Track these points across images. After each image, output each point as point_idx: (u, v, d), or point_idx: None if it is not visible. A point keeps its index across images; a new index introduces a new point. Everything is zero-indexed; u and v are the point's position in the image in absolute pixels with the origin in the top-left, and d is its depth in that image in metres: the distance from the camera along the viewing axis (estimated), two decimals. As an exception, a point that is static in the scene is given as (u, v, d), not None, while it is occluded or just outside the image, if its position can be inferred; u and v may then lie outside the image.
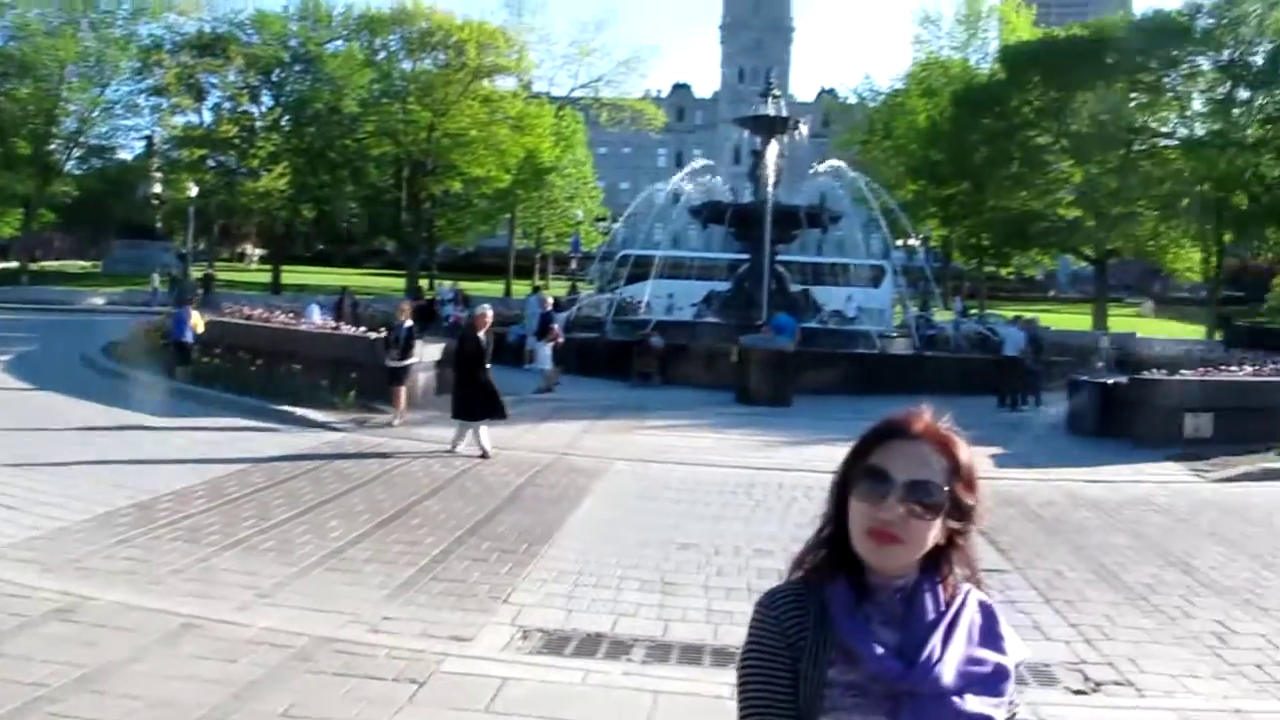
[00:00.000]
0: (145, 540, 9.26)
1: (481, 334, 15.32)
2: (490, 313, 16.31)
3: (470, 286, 51.58)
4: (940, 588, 2.01)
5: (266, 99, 66.05)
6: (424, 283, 62.97)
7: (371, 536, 9.87)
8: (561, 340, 24.97)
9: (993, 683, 1.95)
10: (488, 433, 14.85)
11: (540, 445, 15.88)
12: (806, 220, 33.30)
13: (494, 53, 65.32)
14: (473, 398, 14.88)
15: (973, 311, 53.86)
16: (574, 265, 75.10)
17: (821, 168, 37.74)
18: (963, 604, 2.02)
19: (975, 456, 2.02)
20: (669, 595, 8.46)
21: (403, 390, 17.61)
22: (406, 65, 67.21)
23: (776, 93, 35.26)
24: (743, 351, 23.93)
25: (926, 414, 2.04)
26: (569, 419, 19.19)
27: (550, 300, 28.22)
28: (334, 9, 66.67)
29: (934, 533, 1.96)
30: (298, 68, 64.55)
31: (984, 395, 24.79)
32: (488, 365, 15.10)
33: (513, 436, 15.84)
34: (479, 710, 5.79)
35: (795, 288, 34.46)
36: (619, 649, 7.07)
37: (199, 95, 63.42)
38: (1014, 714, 2.06)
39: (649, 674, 6.59)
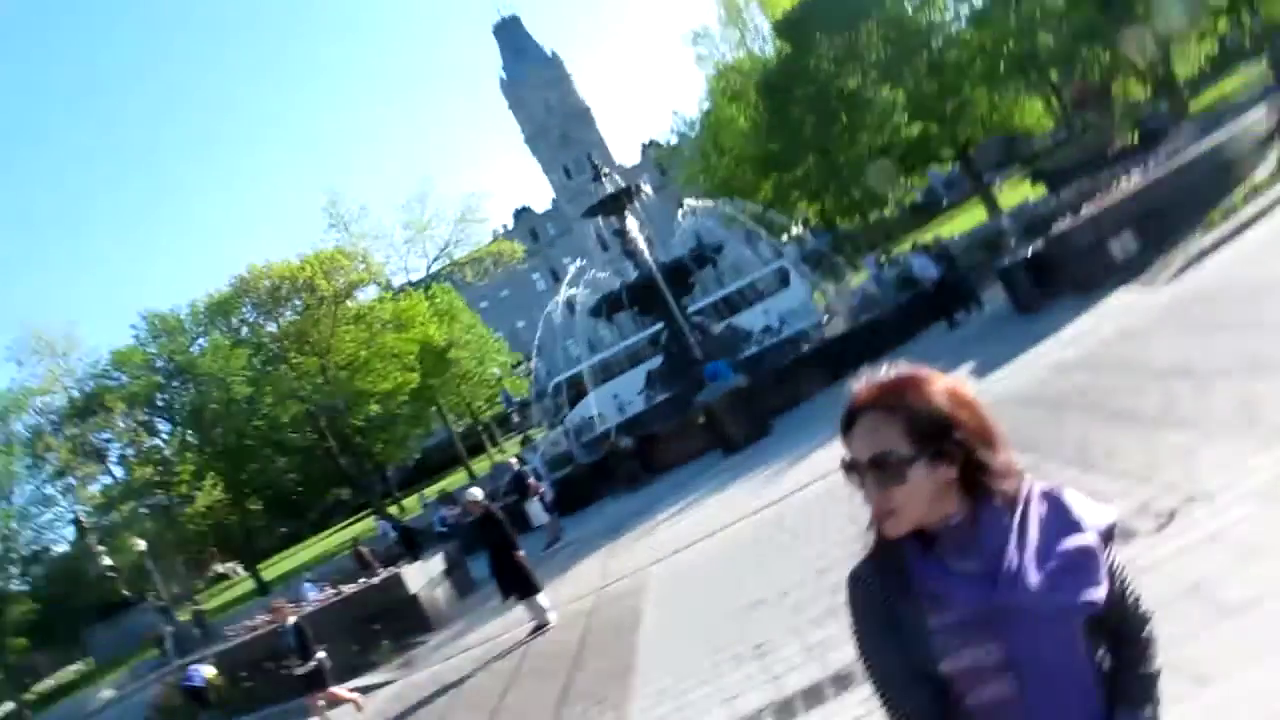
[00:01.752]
0: None
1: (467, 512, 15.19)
2: (479, 494, 16.15)
3: (435, 489, 51.22)
4: (998, 503, 2.05)
5: (163, 426, 65.77)
6: (394, 509, 62.58)
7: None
8: (543, 489, 24.97)
9: (1081, 567, 2.00)
10: (538, 607, 14.64)
11: (577, 592, 15.79)
12: (694, 264, 33.70)
13: (341, 274, 65.71)
14: (508, 578, 14.74)
15: (883, 260, 54.64)
16: (515, 418, 74.98)
17: (683, 210, 38.36)
18: (1026, 504, 2.07)
19: (950, 382, 2.07)
20: (765, 655, 8.42)
21: (323, 694, 15.52)
22: (271, 327, 67.31)
23: (605, 170, 35.81)
24: (705, 409, 24.04)
25: (866, 381, 2.10)
26: (588, 555, 19.10)
27: (515, 461, 28.21)
28: (179, 311, 66.65)
29: (924, 485, 2.00)
30: (175, 383, 64.39)
31: (934, 325, 25.21)
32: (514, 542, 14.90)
33: (549, 595, 15.73)
34: None
35: (718, 328, 34.74)
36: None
37: (100, 457, 62.95)
38: (1122, 582, 2.10)
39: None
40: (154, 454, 63.04)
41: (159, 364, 64.06)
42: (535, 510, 24.17)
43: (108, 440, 63.26)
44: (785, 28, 63.21)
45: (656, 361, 34.49)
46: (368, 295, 69.87)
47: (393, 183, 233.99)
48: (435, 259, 77.30)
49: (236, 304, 66.42)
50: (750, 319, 37.58)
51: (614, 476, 26.46)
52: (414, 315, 66.98)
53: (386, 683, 16.51)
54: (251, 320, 67.63)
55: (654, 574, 14.35)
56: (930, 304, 25.86)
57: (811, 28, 58.75)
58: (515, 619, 15.15)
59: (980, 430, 2.05)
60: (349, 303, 66.66)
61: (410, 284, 74.37)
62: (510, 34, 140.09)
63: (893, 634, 2.03)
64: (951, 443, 2.01)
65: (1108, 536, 2.07)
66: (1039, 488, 2.10)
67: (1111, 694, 2.06)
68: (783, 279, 41.41)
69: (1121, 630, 2.08)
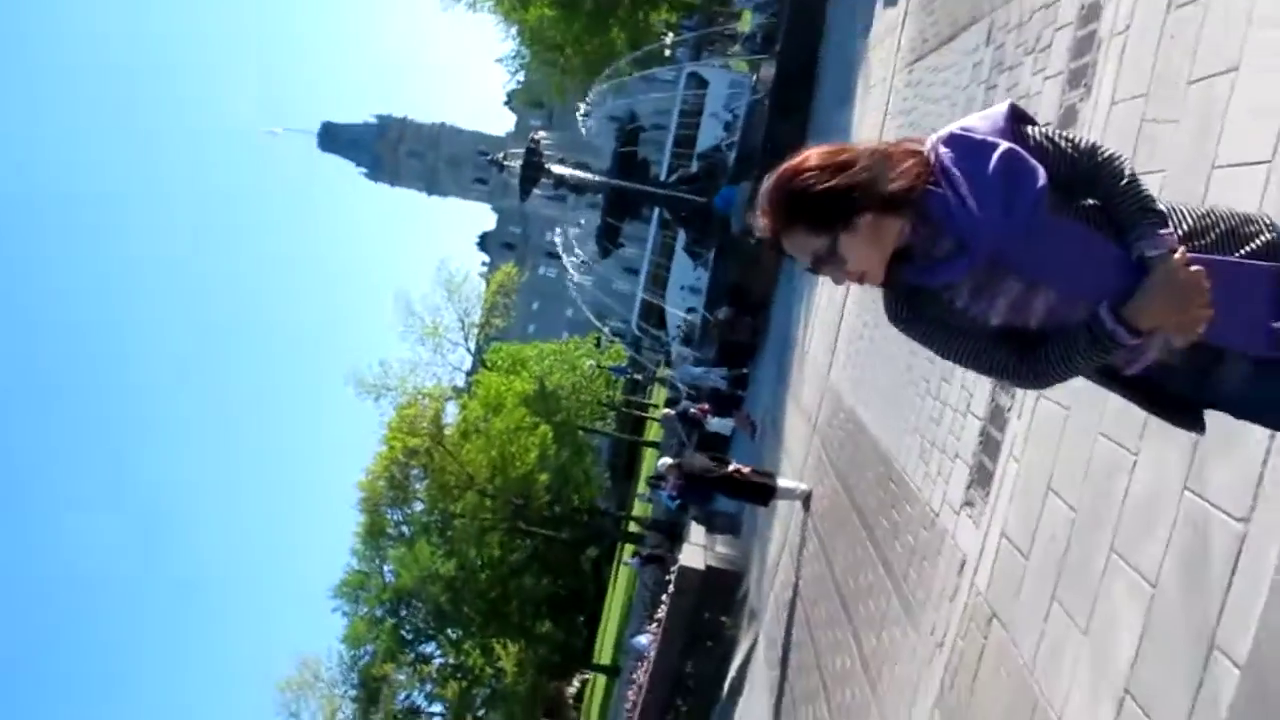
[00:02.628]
0: None
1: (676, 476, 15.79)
2: (668, 460, 16.69)
3: (642, 484, 52.11)
4: (926, 188, 2.20)
5: (428, 646, 68.28)
6: (632, 525, 63.84)
7: (820, 629, 10.05)
8: (707, 406, 25.40)
9: (1012, 172, 2.12)
10: (787, 490, 15.08)
11: (801, 445, 16.08)
12: (628, 144, 33.75)
13: (419, 420, 66.34)
14: (747, 495, 15.24)
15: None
16: (639, 378, 75.41)
17: (580, 116, 38.33)
18: (940, 164, 2.21)
19: (815, 158, 2.24)
20: (950, 382, 8.58)
21: None
22: (417, 506, 68.72)
23: (498, 156, 35.98)
24: (745, 231, 24.09)
25: (759, 217, 2.31)
26: (782, 413, 19.33)
27: (670, 411, 28.73)
28: (350, 565, 69.20)
29: (860, 243, 2.20)
30: (403, 612, 66.76)
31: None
32: (729, 467, 15.38)
33: (788, 472, 16.07)
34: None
35: (695, 167, 34.71)
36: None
37: (415, 712, 66.61)
38: (1052, 144, 2.19)
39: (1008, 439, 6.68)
40: (444, 671, 65.74)
41: (379, 613, 66.37)
42: (718, 425, 24.58)
43: (406, 696, 66.08)
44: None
45: (682, 237, 34.61)
46: (452, 414, 70.81)
47: (380, 319, 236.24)
48: (466, 339, 77.94)
49: (379, 517, 67.99)
50: (709, 134, 37.30)
51: (741, 341, 26.73)
52: (495, 390, 67.74)
53: (754, 644, 17.03)
54: (400, 517, 69.30)
55: (835, 380, 14.60)
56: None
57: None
58: (785, 511, 15.53)
59: (864, 174, 2.19)
60: (445, 432, 67.55)
61: (468, 373, 75.33)
62: (333, 137, 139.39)
63: (944, 329, 2.26)
64: (849, 203, 2.18)
65: (1012, 125, 2.20)
66: (940, 142, 2.23)
67: (1117, 232, 2.17)
68: (699, 81, 41.03)
69: (1081, 178, 2.20)
